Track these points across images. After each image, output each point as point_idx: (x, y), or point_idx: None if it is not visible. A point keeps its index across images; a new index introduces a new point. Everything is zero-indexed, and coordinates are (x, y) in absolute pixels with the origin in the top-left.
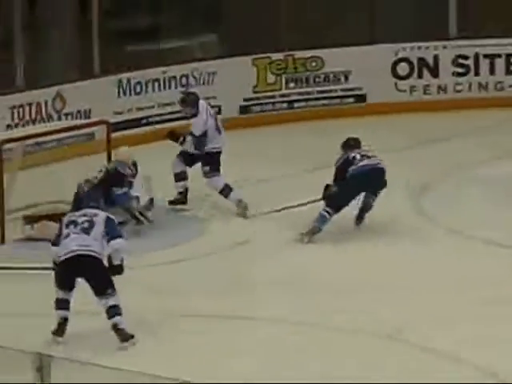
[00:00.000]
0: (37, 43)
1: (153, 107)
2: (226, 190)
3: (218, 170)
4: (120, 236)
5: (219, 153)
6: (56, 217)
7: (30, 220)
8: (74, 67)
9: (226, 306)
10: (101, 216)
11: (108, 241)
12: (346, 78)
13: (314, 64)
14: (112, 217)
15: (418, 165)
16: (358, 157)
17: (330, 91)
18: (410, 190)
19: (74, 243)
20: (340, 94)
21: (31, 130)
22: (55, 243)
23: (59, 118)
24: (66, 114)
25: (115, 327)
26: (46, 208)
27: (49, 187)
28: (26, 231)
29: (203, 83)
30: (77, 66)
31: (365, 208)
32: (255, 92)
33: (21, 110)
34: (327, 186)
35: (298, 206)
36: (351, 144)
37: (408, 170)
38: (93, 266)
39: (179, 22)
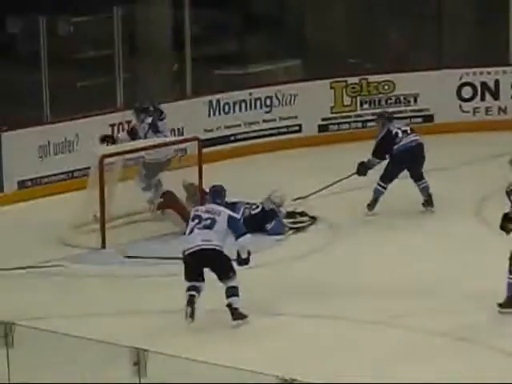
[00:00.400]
0: (135, 67)
1: (239, 126)
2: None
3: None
4: (245, 233)
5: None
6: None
7: (162, 207)
8: (168, 89)
9: (304, 307)
10: (223, 216)
11: (236, 238)
12: (415, 100)
13: (386, 87)
14: (234, 215)
15: (480, 178)
16: (400, 134)
17: (401, 112)
18: (472, 200)
19: (199, 238)
20: (409, 114)
21: (130, 145)
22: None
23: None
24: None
25: (230, 306)
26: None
27: (145, 197)
28: (157, 216)
29: (286, 104)
30: (171, 88)
31: (424, 192)
32: (333, 112)
33: (120, 127)
34: (361, 163)
35: (335, 183)
36: (387, 116)
37: (471, 182)
38: (215, 258)
39: (265, 47)
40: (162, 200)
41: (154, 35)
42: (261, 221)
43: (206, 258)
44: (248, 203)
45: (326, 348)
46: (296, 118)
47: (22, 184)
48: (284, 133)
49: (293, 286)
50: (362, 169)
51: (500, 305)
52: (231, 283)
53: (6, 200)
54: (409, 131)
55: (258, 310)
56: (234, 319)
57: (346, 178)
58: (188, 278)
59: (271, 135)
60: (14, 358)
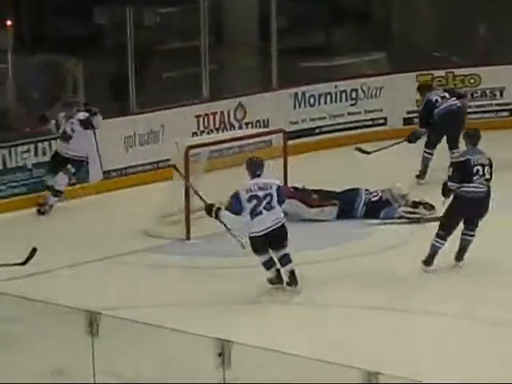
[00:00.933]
0: (221, 59)
1: (324, 118)
2: (59, 193)
3: (74, 175)
4: (284, 201)
5: (83, 161)
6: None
7: None
8: (254, 81)
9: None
10: (274, 187)
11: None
12: (501, 93)
13: (472, 81)
14: (280, 184)
15: None
16: (439, 99)
17: (487, 105)
18: None
19: (269, 220)
20: (495, 108)
21: (215, 137)
22: (236, 212)
23: (240, 127)
24: (247, 123)
25: (292, 272)
26: None
27: (230, 189)
28: None
29: (371, 97)
30: (257, 80)
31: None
32: (418, 105)
33: (206, 118)
34: (412, 133)
35: (389, 146)
36: (427, 85)
37: None
38: (280, 232)
39: (351, 40)
40: None
41: (240, 26)
42: (377, 208)
43: (275, 235)
44: (367, 190)
45: (405, 342)
46: (381, 110)
47: (107, 174)
48: (369, 126)
49: (369, 276)
50: (412, 137)
51: (423, 261)
52: (285, 251)
53: (91, 190)
54: (447, 96)
55: (337, 302)
56: (289, 284)
57: (397, 143)
58: (259, 252)
59: (356, 128)
60: (98, 347)
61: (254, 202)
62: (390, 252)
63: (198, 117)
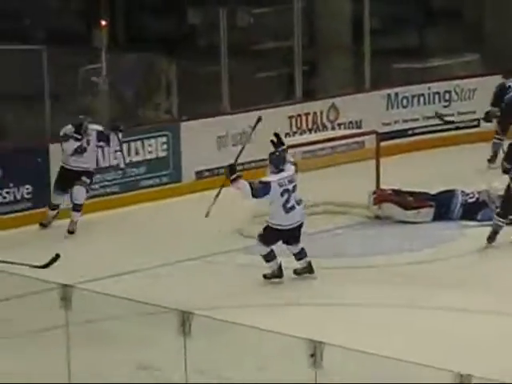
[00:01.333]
0: (314, 60)
1: (417, 120)
2: (79, 207)
3: (90, 185)
4: None
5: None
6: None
7: (378, 201)
8: (347, 82)
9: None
10: (295, 177)
11: None
12: None
13: None
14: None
15: None
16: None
17: None
18: None
19: (299, 214)
20: None
21: (307, 137)
22: (255, 196)
23: (333, 128)
24: (339, 124)
25: (309, 263)
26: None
27: (322, 189)
28: (374, 211)
29: (464, 99)
30: (350, 81)
31: None
32: None
33: (298, 119)
34: (487, 112)
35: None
36: (508, 73)
37: None
38: (301, 227)
39: (444, 42)
40: (375, 195)
41: (333, 28)
42: (474, 209)
43: (298, 229)
44: (463, 191)
45: (491, 345)
46: (474, 112)
47: (199, 174)
48: (462, 127)
49: (466, 278)
50: (487, 117)
51: (487, 239)
52: (301, 245)
53: (184, 190)
54: None
55: (433, 304)
56: (306, 273)
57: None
58: (270, 243)
59: (449, 130)
60: (190, 346)
61: (286, 195)
62: (486, 253)
63: (290, 117)
